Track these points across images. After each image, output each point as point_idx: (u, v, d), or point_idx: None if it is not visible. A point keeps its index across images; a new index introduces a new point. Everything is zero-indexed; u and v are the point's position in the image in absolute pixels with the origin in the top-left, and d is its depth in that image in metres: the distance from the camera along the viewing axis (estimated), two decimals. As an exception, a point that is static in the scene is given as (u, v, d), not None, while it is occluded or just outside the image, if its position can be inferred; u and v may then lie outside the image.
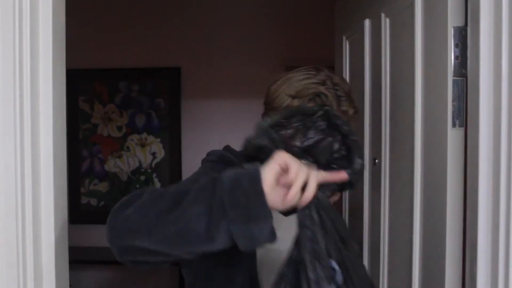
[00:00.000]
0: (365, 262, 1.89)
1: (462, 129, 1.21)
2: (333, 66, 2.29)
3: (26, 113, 1.09)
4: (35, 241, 1.12)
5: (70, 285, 1.29)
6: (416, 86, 1.38)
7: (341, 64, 2.19)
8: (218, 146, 1.71)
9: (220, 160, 1.40)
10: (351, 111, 1.29)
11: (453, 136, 1.22)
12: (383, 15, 1.63)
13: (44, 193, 1.15)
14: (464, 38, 1.18)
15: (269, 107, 1.39)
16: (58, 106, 1.18)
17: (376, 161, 1.75)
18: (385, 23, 1.62)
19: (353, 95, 1.34)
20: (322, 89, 1.27)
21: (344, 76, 2.12)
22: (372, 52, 1.79)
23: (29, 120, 1.10)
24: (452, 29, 1.20)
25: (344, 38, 2.16)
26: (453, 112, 1.21)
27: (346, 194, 2.16)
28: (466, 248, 1.20)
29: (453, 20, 1.20)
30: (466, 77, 1.19)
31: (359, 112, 1.36)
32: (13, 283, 1.07)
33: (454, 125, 1.21)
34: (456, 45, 1.19)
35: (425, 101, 1.35)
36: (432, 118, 1.30)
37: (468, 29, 1.17)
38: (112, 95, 4.00)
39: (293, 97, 1.30)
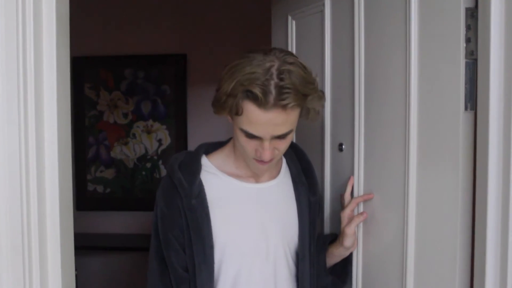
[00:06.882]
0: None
1: (473, 112, 1.19)
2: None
3: (30, 100, 1.08)
4: (40, 228, 1.11)
5: (76, 271, 1.29)
6: (412, 69, 1.32)
7: (285, 47, 2.03)
8: (224, 132, 1.68)
9: (171, 189, 1.52)
10: (292, 104, 1.31)
11: (465, 120, 1.20)
12: None
13: (49, 179, 1.14)
14: (475, 20, 1.16)
15: (214, 98, 1.43)
16: (62, 92, 1.16)
17: (343, 146, 1.65)
18: (359, 4, 1.53)
19: (311, 78, 1.38)
20: (252, 86, 1.30)
21: None
22: (334, 34, 1.70)
23: (33, 106, 1.09)
24: (464, 10, 1.17)
25: (290, 18, 2.03)
26: (465, 95, 1.19)
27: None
28: (475, 233, 1.19)
29: (465, 0, 1.18)
30: (476, 60, 1.17)
31: (316, 93, 1.40)
32: (18, 269, 1.07)
33: (466, 108, 1.19)
34: (467, 27, 1.17)
35: (428, 84, 1.30)
36: (440, 101, 1.27)
37: (479, 10, 1.15)
38: (117, 82, 3.99)
39: (228, 95, 1.35)
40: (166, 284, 1.53)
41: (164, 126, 3.99)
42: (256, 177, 1.56)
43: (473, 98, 1.19)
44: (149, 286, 1.57)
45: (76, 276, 1.30)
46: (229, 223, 1.50)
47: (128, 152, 4.02)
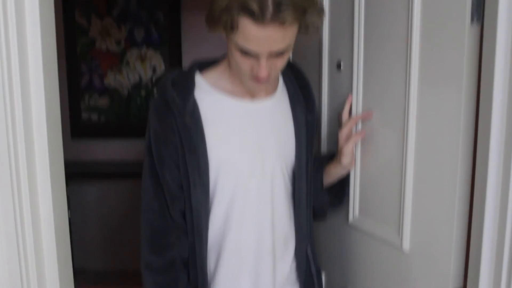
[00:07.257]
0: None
1: (479, 26, 1.13)
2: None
3: (11, 22, 1.03)
4: (28, 158, 1.09)
5: (68, 198, 1.27)
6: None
7: None
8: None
9: (163, 107, 1.44)
10: (290, 19, 1.23)
11: (470, 33, 1.14)
12: None
13: (35, 107, 1.11)
14: None
15: (208, 13, 1.34)
16: (45, 15, 1.11)
17: (341, 63, 1.59)
18: None
19: None
20: (249, 1, 1.20)
21: None
22: None
23: (14, 29, 1.04)
24: None
25: None
26: (472, 4, 1.12)
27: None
28: (477, 152, 1.16)
29: None
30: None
31: (315, 7, 1.30)
32: (8, 198, 1.05)
33: (472, 19, 1.13)
34: None
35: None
36: (446, 12, 1.19)
37: None
38: (109, 9, 3.89)
39: (222, 10, 1.26)
40: (161, 202, 1.50)
41: (158, 53, 3.91)
42: (252, 94, 1.48)
43: (480, 11, 1.12)
44: (143, 205, 1.53)
45: (68, 198, 1.28)
46: (224, 142, 1.45)
47: (122, 80, 3.96)
